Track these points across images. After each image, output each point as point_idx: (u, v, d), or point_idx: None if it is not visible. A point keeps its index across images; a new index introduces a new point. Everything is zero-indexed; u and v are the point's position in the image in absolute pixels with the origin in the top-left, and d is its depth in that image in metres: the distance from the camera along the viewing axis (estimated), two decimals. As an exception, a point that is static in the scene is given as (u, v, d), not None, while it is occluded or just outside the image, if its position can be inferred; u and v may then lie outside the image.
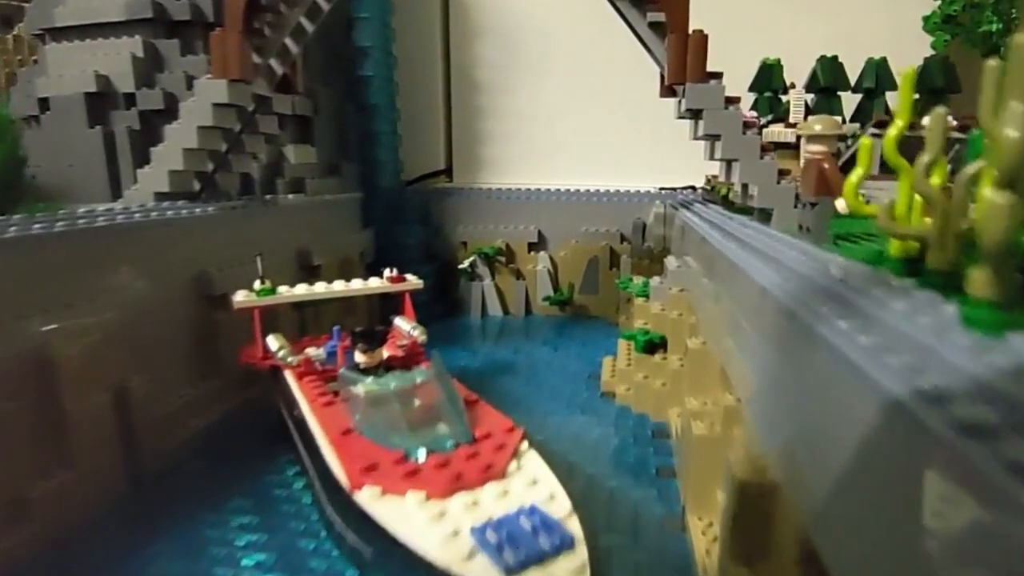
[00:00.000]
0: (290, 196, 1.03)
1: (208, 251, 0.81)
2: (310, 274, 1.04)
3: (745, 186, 0.72)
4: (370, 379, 0.56)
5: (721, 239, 0.63)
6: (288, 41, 0.83)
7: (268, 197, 0.99)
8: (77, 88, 0.98)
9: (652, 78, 0.77)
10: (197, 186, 0.89)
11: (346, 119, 1.24)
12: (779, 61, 1.12)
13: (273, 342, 0.70)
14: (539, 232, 1.37)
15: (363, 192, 1.28)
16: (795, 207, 0.67)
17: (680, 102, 0.74)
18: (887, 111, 1.16)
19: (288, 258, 0.99)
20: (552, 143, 1.47)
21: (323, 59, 1.21)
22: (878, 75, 1.13)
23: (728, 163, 0.73)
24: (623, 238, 1.35)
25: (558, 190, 1.38)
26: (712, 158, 0.78)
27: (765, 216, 0.70)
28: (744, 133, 0.67)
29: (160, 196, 0.82)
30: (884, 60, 1.12)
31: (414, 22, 1.44)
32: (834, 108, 1.19)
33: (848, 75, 1.11)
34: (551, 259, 1.36)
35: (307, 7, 0.79)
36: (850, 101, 1.13)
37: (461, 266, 1.33)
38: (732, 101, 0.68)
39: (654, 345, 0.83)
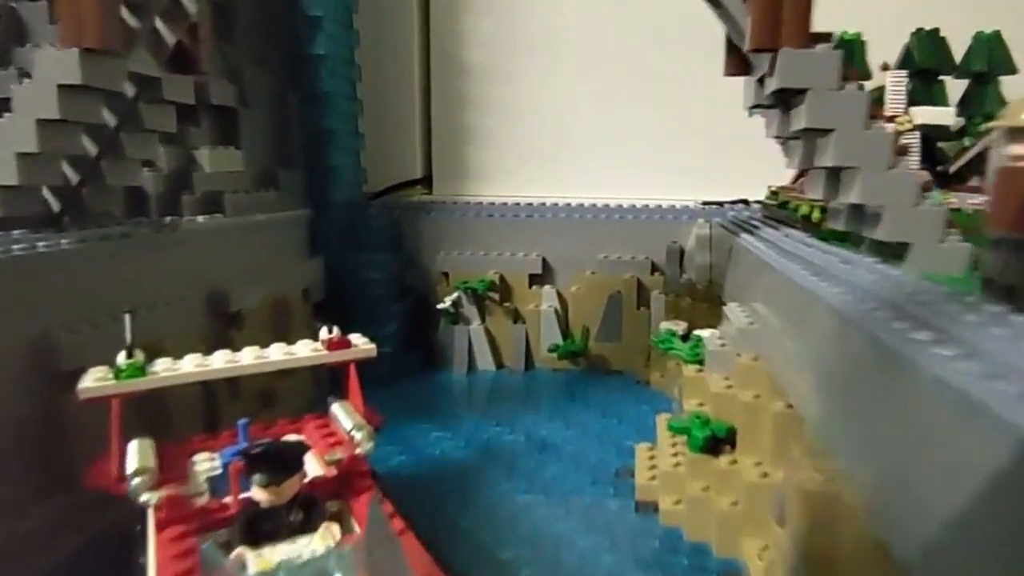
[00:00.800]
0: (200, 218, 0.83)
1: (56, 305, 0.60)
2: (227, 325, 0.84)
3: (856, 207, 0.53)
4: (251, 555, 0.36)
5: (832, 289, 0.44)
6: (183, -2, 0.64)
7: (167, 220, 0.79)
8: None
9: (694, 55, 0.59)
10: (55, 207, 0.69)
11: (288, 113, 1.05)
12: (859, 36, 0.95)
13: (133, 458, 0.49)
14: (543, 260, 1.17)
15: (311, 209, 1.08)
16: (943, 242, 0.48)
17: (761, 81, 0.55)
18: (1001, 101, 0.99)
19: (194, 305, 0.79)
20: (561, 144, 1.28)
21: (256, 30, 1.02)
22: (991, 54, 0.96)
23: (833, 172, 0.54)
24: (654, 268, 1.15)
25: (568, 205, 1.19)
26: (804, 165, 0.59)
27: (880, 248, 0.51)
28: (868, 127, 0.48)
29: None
30: (997, 35, 0.95)
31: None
32: (936, 97, 1.02)
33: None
34: (559, 296, 1.16)
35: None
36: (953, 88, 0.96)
37: (441, 305, 1.12)
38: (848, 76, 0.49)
39: (717, 441, 0.63)
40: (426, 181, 1.31)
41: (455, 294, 1.12)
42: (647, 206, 1.19)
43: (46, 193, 0.68)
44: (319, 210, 1.09)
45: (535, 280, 1.17)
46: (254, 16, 1.01)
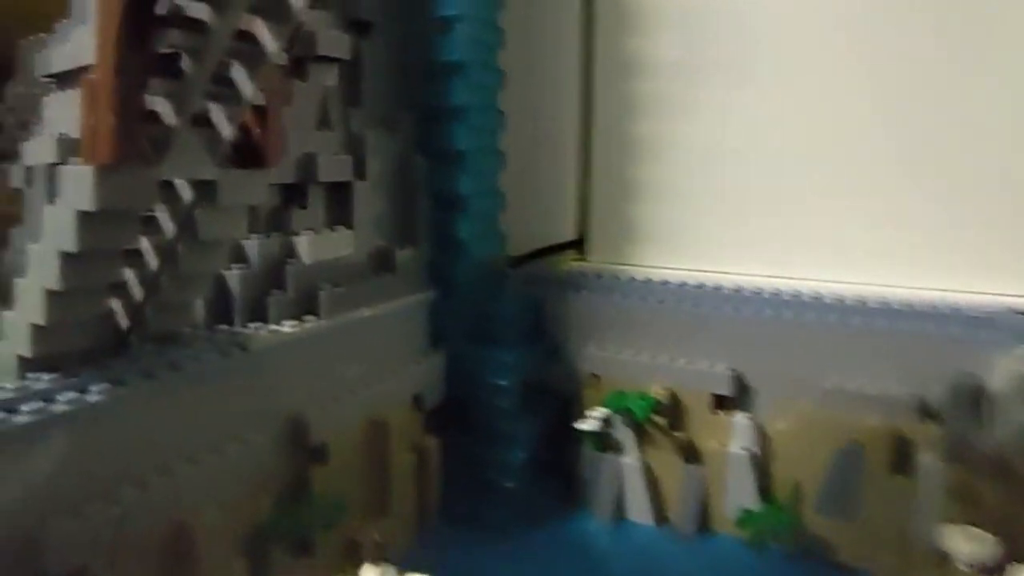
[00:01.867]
0: (287, 326, 0.71)
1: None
2: (307, 461, 0.71)
3: None
4: None
5: None
6: (236, 73, 0.50)
7: (234, 336, 0.68)
8: (45, 156, 0.81)
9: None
10: (122, 324, 0.62)
11: (412, 177, 0.90)
12: None
13: None
14: (737, 377, 0.85)
15: (434, 287, 0.92)
16: None
17: None
18: None
19: (264, 442, 0.67)
20: (771, 201, 0.92)
21: (383, 86, 0.89)
22: None
23: None
24: (926, 412, 0.76)
25: (779, 294, 0.86)
26: None
27: None
28: None
29: (26, 364, 0.56)
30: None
31: (535, 12, 1.05)
32: None
33: None
34: (759, 433, 0.84)
35: None
36: None
37: (585, 425, 0.87)
38: None
39: None
40: (580, 244, 1.07)
41: (605, 412, 0.87)
42: (913, 306, 0.80)
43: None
44: (443, 291, 0.92)
45: (723, 404, 0.85)
46: (382, 70, 0.88)
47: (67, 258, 0.50)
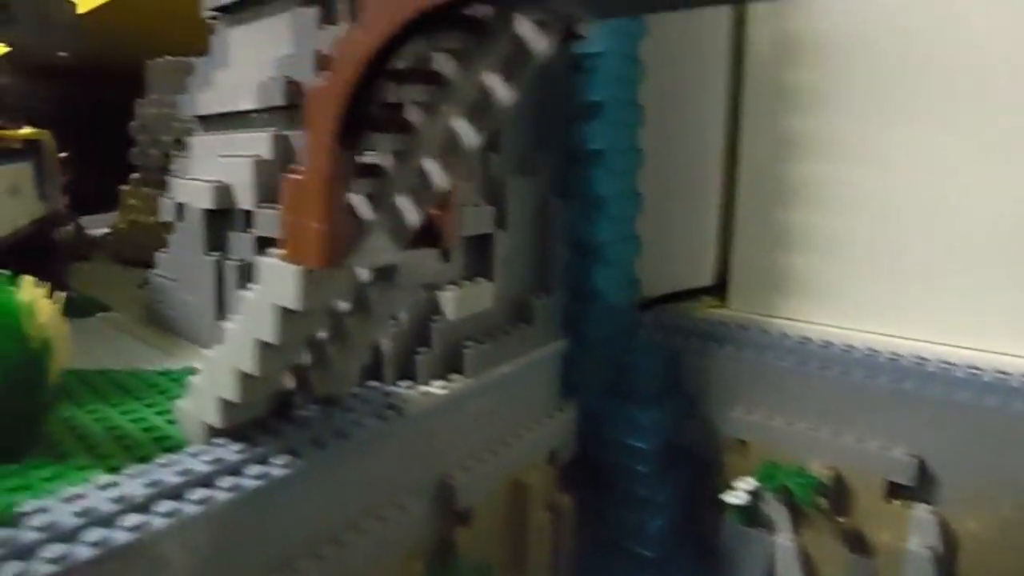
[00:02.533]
0: (435, 386, 0.73)
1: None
2: (453, 525, 0.73)
3: None
4: None
5: None
6: (429, 167, 0.51)
7: (390, 398, 0.70)
8: (199, 200, 0.86)
9: None
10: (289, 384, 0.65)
11: (550, 225, 0.89)
12: None
13: None
14: (920, 464, 0.77)
15: (566, 337, 0.91)
16: None
17: None
18: None
19: (421, 503, 0.69)
20: (965, 257, 0.82)
21: (523, 131, 0.88)
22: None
23: None
24: None
25: (977, 375, 0.75)
26: None
27: None
28: None
29: (214, 432, 0.59)
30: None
31: (678, 44, 1.02)
32: None
33: None
34: (946, 531, 0.76)
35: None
36: None
37: (734, 499, 0.84)
38: None
39: None
40: (717, 290, 1.03)
41: (754, 484, 0.84)
42: None
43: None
44: (575, 340, 0.92)
45: (899, 493, 0.78)
46: (520, 111, 0.87)
47: (264, 347, 0.53)
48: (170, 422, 0.66)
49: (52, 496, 0.50)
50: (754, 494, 0.84)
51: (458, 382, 0.74)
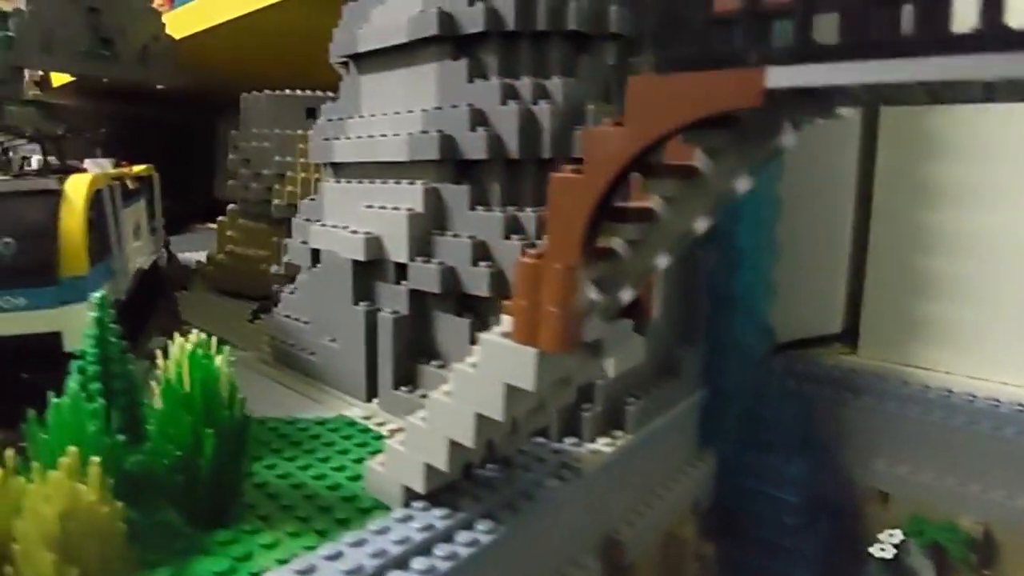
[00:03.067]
0: (601, 444, 0.74)
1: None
2: (619, 580, 0.75)
3: None
4: None
5: None
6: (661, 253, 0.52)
7: (563, 457, 0.72)
8: (342, 248, 0.89)
9: None
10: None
11: (696, 276, 0.90)
12: None
13: None
14: None
15: (704, 386, 0.92)
16: None
17: None
18: None
19: (593, 561, 0.70)
20: None
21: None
22: None
23: None
24: None
25: None
26: None
27: None
28: None
29: (409, 494, 0.62)
30: None
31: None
32: None
33: None
34: None
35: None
36: None
37: (879, 551, 0.84)
38: None
39: None
40: (846, 337, 1.03)
41: (901, 538, 0.84)
42: None
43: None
44: (712, 390, 0.93)
45: None
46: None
47: (484, 420, 0.55)
48: (350, 479, 0.69)
49: (284, 568, 0.53)
50: (901, 547, 0.84)
51: (621, 438, 0.76)
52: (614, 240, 0.50)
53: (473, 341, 0.79)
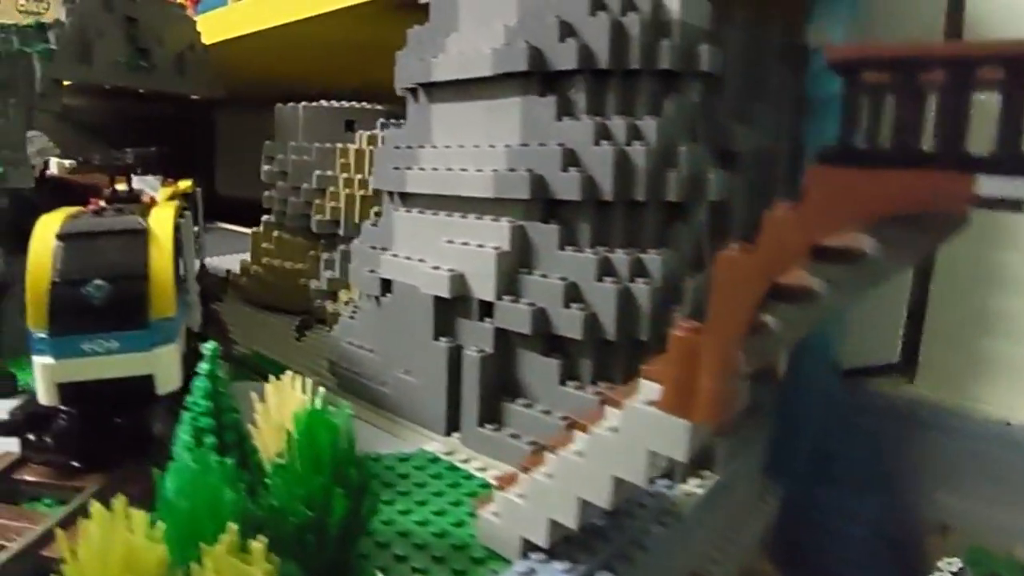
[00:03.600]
0: (693, 486, 0.76)
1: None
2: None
3: None
4: None
5: None
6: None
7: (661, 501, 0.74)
8: (424, 284, 0.90)
9: None
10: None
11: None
12: None
13: None
14: None
15: (774, 421, 0.94)
16: None
17: None
18: None
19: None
20: None
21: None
22: None
23: None
24: None
25: None
26: None
27: None
28: None
29: (529, 546, 0.63)
30: None
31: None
32: None
33: None
34: None
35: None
36: None
37: (942, 581, 0.88)
38: None
39: None
40: (907, 367, 1.06)
41: (959, 566, 0.87)
42: None
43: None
44: (782, 424, 0.95)
45: None
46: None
47: (620, 483, 0.56)
48: (454, 525, 0.70)
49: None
50: (959, 575, 0.87)
51: (709, 478, 0.78)
52: (767, 316, 0.51)
53: (562, 382, 0.81)
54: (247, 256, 1.57)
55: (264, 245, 1.51)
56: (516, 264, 0.84)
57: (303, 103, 1.46)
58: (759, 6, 0.94)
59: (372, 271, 1.00)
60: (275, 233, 1.50)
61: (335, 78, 1.75)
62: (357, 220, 1.30)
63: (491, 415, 0.85)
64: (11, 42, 1.32)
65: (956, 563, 0.88)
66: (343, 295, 1.33)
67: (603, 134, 0.80)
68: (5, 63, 1.29)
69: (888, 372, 1.06)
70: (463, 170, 0.89)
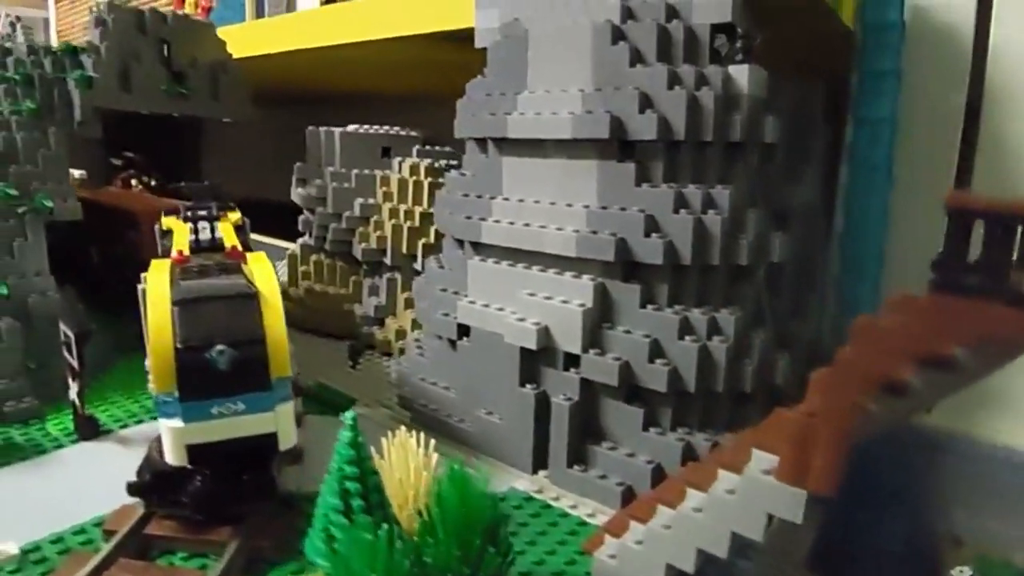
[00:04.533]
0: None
1: None
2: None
3: None
4: None
5: None
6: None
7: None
8: (506, 333, 0.99)
9: None
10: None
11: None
12: None
13: None
14: None
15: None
16: None
17: None
18: None
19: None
20: None
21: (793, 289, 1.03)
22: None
23: None
24: None
25: None
26: None
27: None
28: None
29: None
30: None
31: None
32: None
33: None
34: None
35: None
36: None
37: (953, 594, 1.04)
38: None
39: None
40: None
41: (969, 572, 1.03)
42: None
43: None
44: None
45: None
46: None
47: (739, 537, 0.68)
48: (567, 564, 0.81)
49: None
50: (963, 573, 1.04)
51: (777, 510, 0.91)
52: (872, 404, 0.63)
53: (645, 428, 0.92)
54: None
55: (302, 268, 1.56)
56: (598, 319, 0.93)
57: (339, 129, 1.51)
58: (807, 74, 1.05)
59: (447, 315, 1.08)
60: (314, 257, 1.55)
61: (370, 101, 1.79)
62: (405, 250, 1.37)
63: (578, 456, 0.95)
64: (43, 66, 1.33)
65: (967, 570, 1.04)
66: (391, 323, 1.41)
67: (681, 202, 0.90)
68: (43, 90, 1.30)
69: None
70: (542, 227, 0.98)
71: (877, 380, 0.58)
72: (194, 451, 0.80)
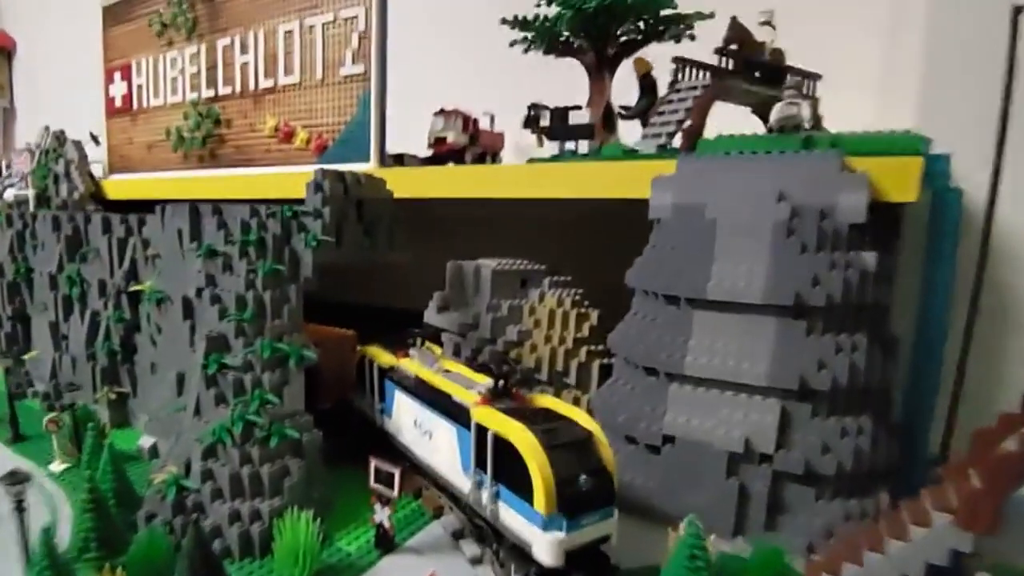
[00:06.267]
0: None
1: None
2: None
3: None
4: None
5: None
6: None
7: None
8: (715, 441, 1.50)
9: None
10: None
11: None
12: None
13: None
14: None
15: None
16: None
17: None
18: None
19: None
20: None
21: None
22: None
23: None
24: None
25: None
26: None
27: None
28: None
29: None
30: None
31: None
32: None
33: None
34: None
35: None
36: None
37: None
38: None
39: None
40: (942, 461, 1.89)
41: (977, 577, 1.68)
42: None
43: None
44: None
45: None
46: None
47: (931, 568, 1.23)
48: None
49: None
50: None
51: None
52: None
53: (816, 500, 1.47)
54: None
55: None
56: (783, 428, 1.48)
57: (488, 264, 1.93)
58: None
59: (648, 426, 1.57)
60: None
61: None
62: (560, 368, 1.84)
63: (770, 524, 1.47)
64: (267, 227, 1.65)
65: None
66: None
67: (837, 347, 1.47)
68: (278, 250, 1.62)
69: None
70: (733, 364, 1.51)
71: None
72: (568, 554, 1.22)
